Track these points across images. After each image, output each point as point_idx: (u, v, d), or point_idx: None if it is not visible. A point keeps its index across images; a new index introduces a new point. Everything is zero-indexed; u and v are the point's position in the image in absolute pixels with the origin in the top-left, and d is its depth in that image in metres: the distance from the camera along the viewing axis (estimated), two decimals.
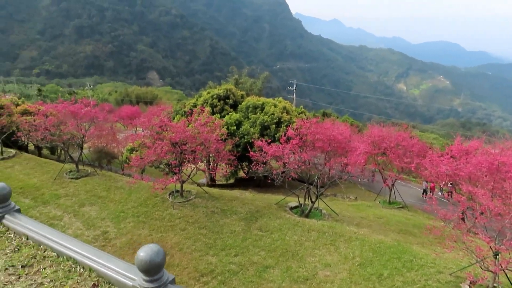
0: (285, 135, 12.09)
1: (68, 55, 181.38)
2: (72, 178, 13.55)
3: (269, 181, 12.58)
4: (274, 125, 18.78)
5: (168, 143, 11.28)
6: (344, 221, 12.63)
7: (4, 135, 16.05)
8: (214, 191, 14.91)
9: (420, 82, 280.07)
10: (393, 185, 17.60)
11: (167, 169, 14.64)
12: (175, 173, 12.02)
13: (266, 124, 18.80)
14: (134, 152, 21.45)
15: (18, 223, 3.75)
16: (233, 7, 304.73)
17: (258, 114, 19.46)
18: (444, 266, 8.27)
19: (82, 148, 14.83)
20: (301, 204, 12.80)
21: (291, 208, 12.99)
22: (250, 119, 19.42)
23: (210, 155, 13.66)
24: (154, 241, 9.64)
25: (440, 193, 22.78)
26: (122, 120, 40.71)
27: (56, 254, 3.34)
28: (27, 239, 3.62)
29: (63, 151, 21.92)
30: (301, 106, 25.43)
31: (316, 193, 11.99)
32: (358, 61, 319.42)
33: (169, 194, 12.31)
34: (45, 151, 24.84)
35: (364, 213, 15.50)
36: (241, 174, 22.69)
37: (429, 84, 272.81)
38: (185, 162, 12.02)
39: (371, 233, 10.69)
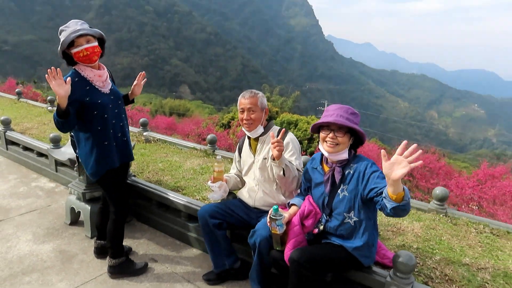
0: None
1: (107, 65, 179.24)
2: None
3: None
4: (306, 141, 19.82)
5: None
6: None
7: None
8: None
9: (452, 110, 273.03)
10: None
11: None
12: None
13: (299, 139, 19.85)
14: None
15: None
16: (267, 27, 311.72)
17: (292, 129, 20.57)
18: None
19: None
20: None
21: None
22: None
23: None
24: None
25: None
26: (157, 129, 42.70)
27: None
28: None
29: None
30: None
31: None
32: (389, 86, 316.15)
33: None
34: None
35: None
36: None
37: (462, 113, 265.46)
38: None
39: None
